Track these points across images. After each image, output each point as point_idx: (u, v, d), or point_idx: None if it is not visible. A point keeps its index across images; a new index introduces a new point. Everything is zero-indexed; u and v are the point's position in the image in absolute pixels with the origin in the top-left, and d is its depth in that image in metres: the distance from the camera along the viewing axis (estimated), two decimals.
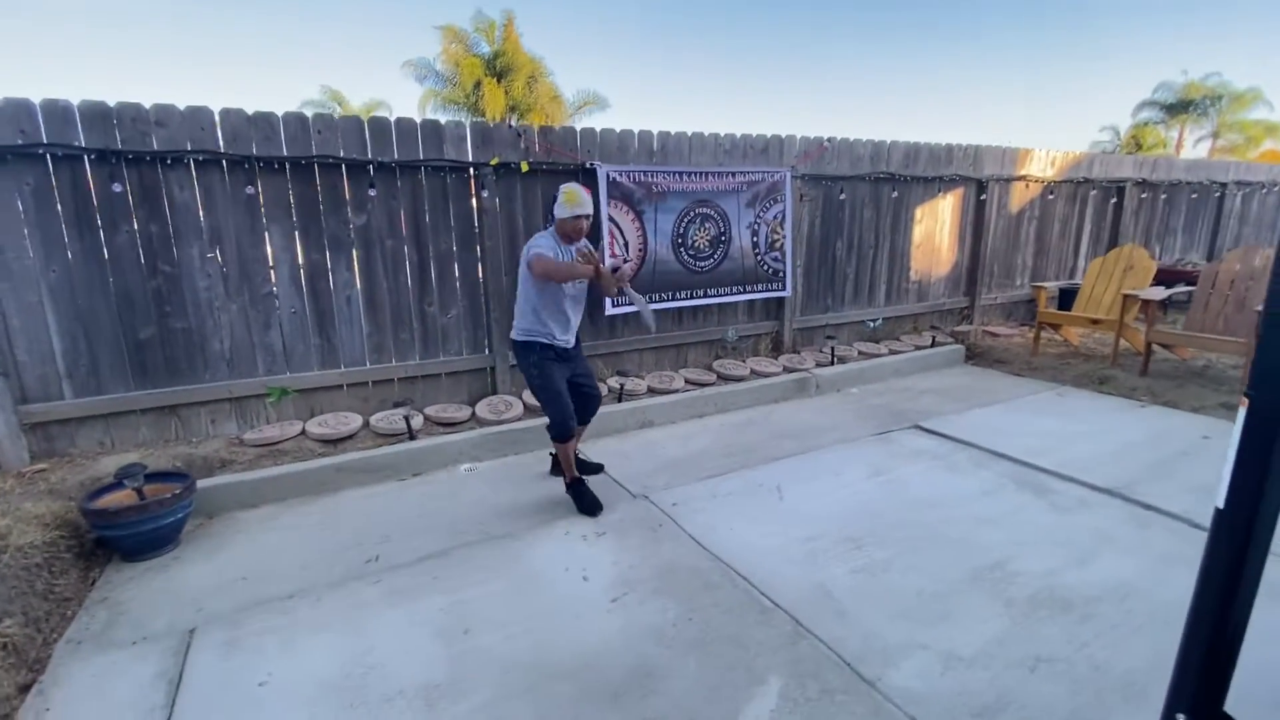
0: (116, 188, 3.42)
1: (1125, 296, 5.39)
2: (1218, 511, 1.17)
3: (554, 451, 3.57)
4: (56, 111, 3.26)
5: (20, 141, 3.20)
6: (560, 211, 3.09)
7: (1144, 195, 8.05)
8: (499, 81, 22.78)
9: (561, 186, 3.11)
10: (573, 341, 3.31)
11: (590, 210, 3.13)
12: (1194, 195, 8.58)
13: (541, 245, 3.10)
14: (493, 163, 4.23)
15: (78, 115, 3.30)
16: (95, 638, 2.40)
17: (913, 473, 3.68)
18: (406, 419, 3.92)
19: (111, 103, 3.37)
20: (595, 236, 4.66)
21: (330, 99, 23.81)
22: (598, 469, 3.66)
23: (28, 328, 3.39)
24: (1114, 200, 7.81)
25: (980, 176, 6.53)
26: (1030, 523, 3.10)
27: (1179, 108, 28.08)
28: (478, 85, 22.32)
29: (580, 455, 3.58)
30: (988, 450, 3.96)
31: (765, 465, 3.83)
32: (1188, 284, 6.17)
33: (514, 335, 3.27)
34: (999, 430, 4.28)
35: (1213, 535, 1.18)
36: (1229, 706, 1.22)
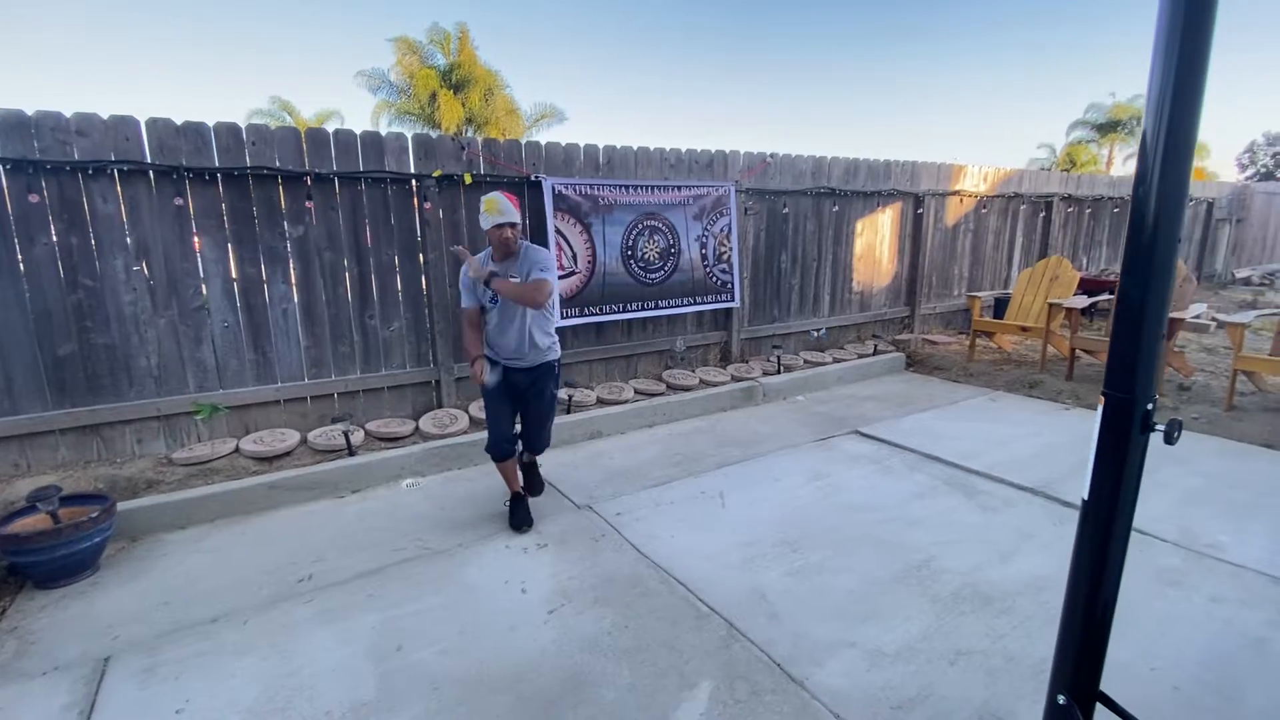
0: (33, 199, 3.28)
1: (1051, 305, 5.68)
2: (1083, 503, 1.26)
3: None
4: None
5: None
6: (483, 223, 2.97)
7: (1070, 209, 8.51)
8: (455, 94, 22.65)
9: (482, 198, 3.00)
10: (524, 365, 3.17)
11: (514, 219, 2.94)
12: (1116, 210, 9.11)
13: (462, 284, 3.16)
14: (435, 175, 4.21)
15: None
16: (2, 669, 2.27)
17: (850, 477, 3.79)
18: (346, 434, 3.85)
19: (30, 111, 3.24)
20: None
21: (280, 109, 23.23)
22: (537, 488, 3.50)
23: None
24: (1043, 214, 8.24)
25: (917, 191, 6.81)
26: (958, 523, 3.23)
27: (1108, 127, 29.78)
28: (433, 97, 22.13)
29: (537, 467, 3.55)
30: (922, 454, 4.11)
31: (710, 473, 3.89)
32: (1110, 293, 6.55)
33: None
34: (934, 434, 4.45)
35: (1080, 526, 1.27)
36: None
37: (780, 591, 2.64)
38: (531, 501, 3.44)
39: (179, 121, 3.57)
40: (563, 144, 4.76)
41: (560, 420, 4.44)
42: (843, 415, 4.97)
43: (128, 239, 3.55)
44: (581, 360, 5.09)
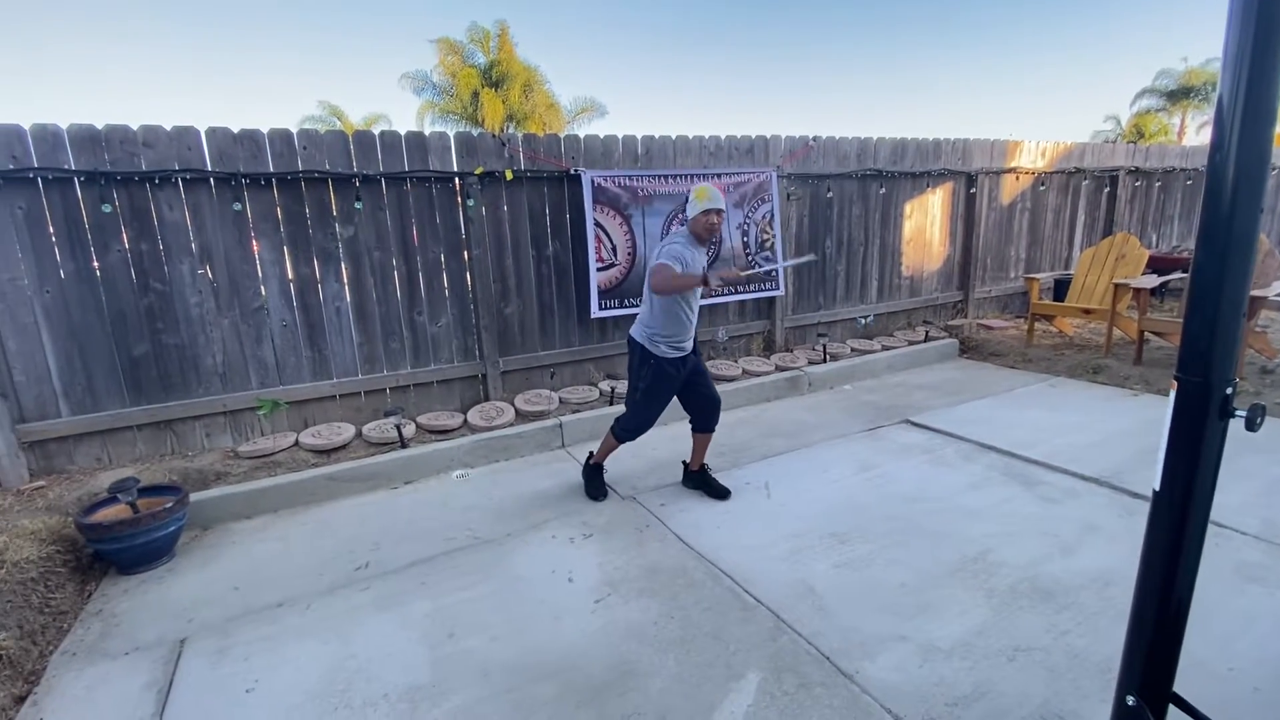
0: (106, 209, 3.49)
1: (1117, 285, 5.38)
2: (1155, 495, 1.19)
3: (685, 461, 3.54)
4: (46, 136, 3.33)
5: (11, 166, 3.27)
6: (690, 210, 3.05)
7: (1138, 183, 8.02)
8: (496, 91, 22.92)
9: (692, 186, 3.19)
10: (690, 346, 3.24)
11: (721, 205, 3.02)
12: (1189, 182, 8.53)
13: (667, 252, 2.98)
14: (477, 172, 4.28)
15: (67, 139, 3.37)
16: (89, 649, 2.45)
17: (901, 467, 3.69)
18: (398, 428, 3.97)
19: (100, 125, 3.44)
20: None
21: (330, 114, 24.02)
22: (724, 496, 3.39)
23: (24, 349, 3.46)
24: (1107, 189, 7.79)
25: (970, 170, 6.53)
26: (1016, 513, 3.10)
27: (1180, 94, 27.91)
28: (475, 95, 22.48)
29: (711, 472, 3.48)
30: (977, 443, 3.96)
31: (754, 464, 3.85)
32: (1183, 271, 6.15)
33: (633, 332, 3.23)
34: (990, 423, 4.28)
35: (1152, 517, 1.20)
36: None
37: (829, 584, 2.60)
38: (573, 495, 3.50)
39: (235, 130, 3.72)
40: (601, 136, 4.76)
41: (604, 411, 4.47)
42: (892, 404, 4.84)
43: (192, 244, 3.74)
44: (623, 352, 5.08)
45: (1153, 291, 5.48)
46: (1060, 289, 6.81)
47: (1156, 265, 6.32)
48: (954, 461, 3.74)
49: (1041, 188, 7.17)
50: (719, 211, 3.06)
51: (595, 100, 24.12)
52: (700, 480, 3.49)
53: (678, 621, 2.41)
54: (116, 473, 3.62)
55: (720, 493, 3.40)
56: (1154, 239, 8.43)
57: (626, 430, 3.33)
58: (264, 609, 2.65)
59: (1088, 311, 5.63)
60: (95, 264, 3.55)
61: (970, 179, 6.58)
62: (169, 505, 3.03)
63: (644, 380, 3.20)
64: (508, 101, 22.47)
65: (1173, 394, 1.14)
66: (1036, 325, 6.10)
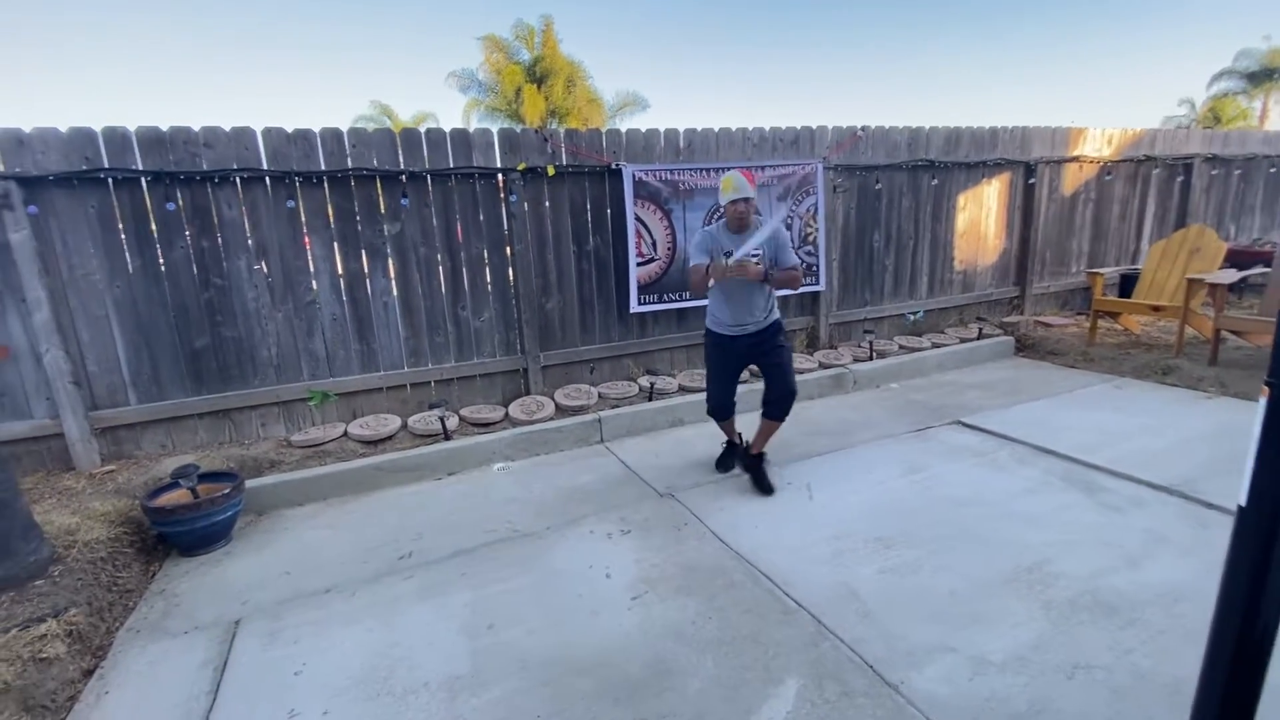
0: (170, 207, 3.65)
1: (1190, 281, 5.05)
2: (1240, 510, 1.09)
3: (747, 440, 3.69)
4: (116, 138, 3.51)
5: (84, 167, 3.45)
6: (721, 199, 3.26)
7: (1215, 172, 7.51)
8: (539, 87, 23.09)
9: (721, 176, 3.30)
10: (749, 329, 3.34)
11: (748, 194, 3.17)
12: (1274, 170, 7.95)
13: (692, 244, 3.33)
14: (520, 168, 4.30)
15: (135, 140, 3.54)
16: (152, 627, 2.57)
17: (951, 470, 3.55)
18: (442, 420, 4.04)
19: (165, 128, 3.60)
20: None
21: (380, 113, 24.68)
22: (769, 491, 3.39)
23: (96, 340, 3.65)
24: (1180, 179, 7.32)
25: (1028, 159, 6.23)
26: (1076, 522, 2.95)
27: (1262, 75, 26.08)
28: (518, 92, 22.71)
29: (766, 464, 3.52)
30: (1034, 446, 3.78)
31: (796, 463, 3.77)
32: (1265, 265, 5.73)
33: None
34: (1048, 425, 4.08)
35: (1236, 535, 1.10)
36: None
37: (873, 589, 2.51)
38: (611, 490, 3.50)
39: (289, 130, 3.84)
40: (643, 130, 4.73)
41: (643, 407, 4.45)
42: (942, 404, 4.67)
43: (249, 241, 3.88)
44: (663, 348, 5.07)
45: (1230, 288, 5.12)
46: (1126, 285, 6.43)
47: (1235, 259, 5.90)
48: (1009, 465, 3.58)
49: (1107, 177, 6.79)
50: (746, 200, 3.19)
51: (637, 94, 24.08)
52: (751, 465, 3.52)
53: (715, 622, 2.37)
54: (179, 459, 3.79)
55: (765, 488, 3.39)
56: (1232, 231, 7.89)
57: (709, 409, 3.61)
58: (313, 594, 2.73)
59: (1157, 308, 5.30)
60: (161, 260, 3.72)
61: (1029, 168, 6.27)
62: (226, 491, 3.16)
63: (706, 359, 3.59)
64: (550, 97, 22.63)
65: (1263, 400, 1.04)
66: (1100, 323, 5.79)
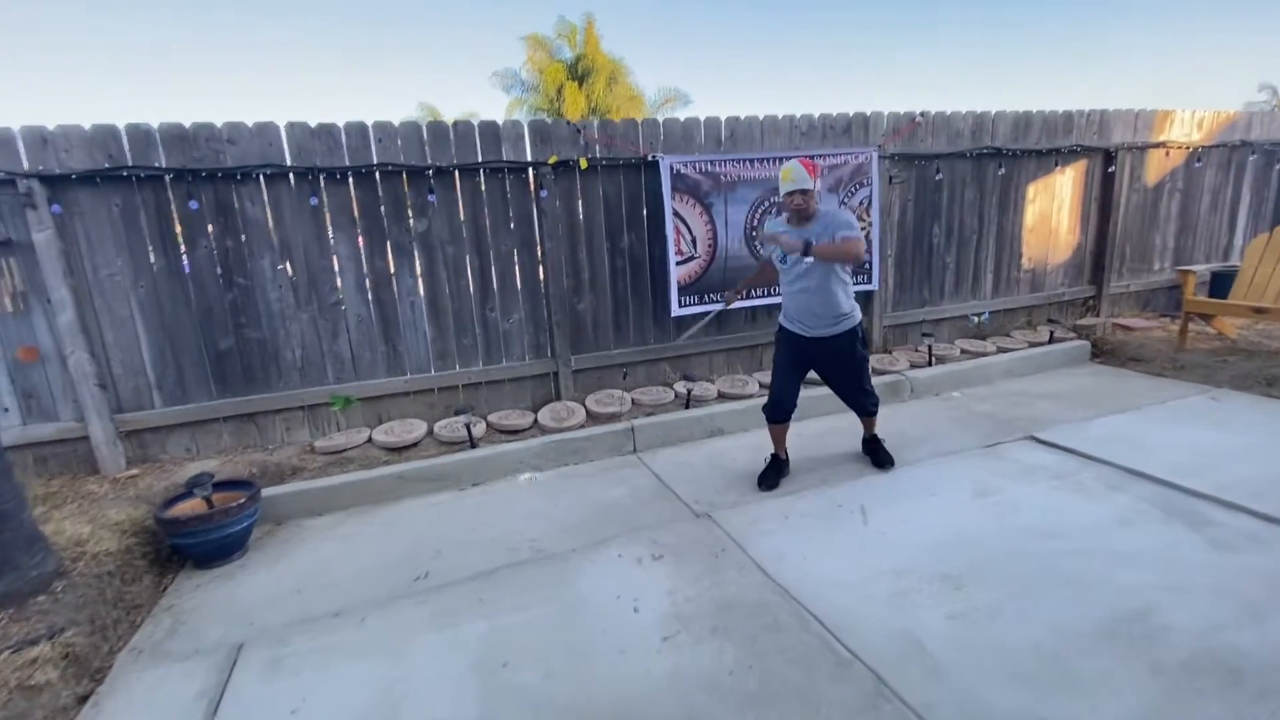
0: (194, 205, 3.56)
1: None
2: None
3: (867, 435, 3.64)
4: (139, 135, 3.42)
5: (107, 165, 3.37)
6: (781, 190, 3.12)
7: None
8: (580, 85, 23.05)
9: (782, 165, 3.15)
10: (824, 333, 3.23)
11: (806, 185, 3.02)
12: None
13: (763, 232, 3.42)
14: (550, 161, 4.07)
15: (158, 137, 3.45)
16: (155, 648, 2.43)
17: (1027, 494, 3.15)
18: (467, 427, 3.85)
19: (187, 124, 3.50)
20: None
21: (427, 114, 25.00)
22: (885, 465, 3.53)
23: (121, 341, 3.59)
24: (1278, 167, 6.59)
25: (1108, 146, 5.67)
26: (1182, 561, 2.52)
27: None
28: (560, 90, 22.68)
29: (881, 441, 3.60)
30: (1122, 468, 3.34)
31: (848, 483, 3.42)
32: None
33: None
34: (1136, 443, 3.62)
35: None
36: None
37: (941, 639, 2.17)
38: (643, 507, 3.25)
39: (313, 124, 3.70)
40: (681, 120, 4.43)
41: (679, 416, 4.17)
42: (1011, 416, 4.23)
43: (273, 239, 3.76)
44: (701, 352, 4.77)
45: None
46: (1218, 283, 5.80)
47: None
48: (1094, 490, 3.15)
49: (1197, 165, 6.14)
50: (802, 193, 3.06)
51: (679, 90, 23.72)
52: (869, 448, 3.62)
53: (757, 673, 2.07)
54: (203, 463, 3.71)
55: (886, 461, 3.52)
56: None
57: (766, 406, 3.42)
58: (322, 617, 2.55)
59: (1260, 310, 4.71)
60: (184, 260, 3.63)
61: (1108, 156, 5.71)
62: (241, 501, 3.03)
63: (775, 346, 3.43)
64: (591, 95, 22.51)
65: None
66: (1190, 326, 5.21)
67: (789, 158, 4.53)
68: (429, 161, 3.90)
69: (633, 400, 4.40)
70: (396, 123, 3.86)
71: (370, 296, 4.00)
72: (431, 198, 3.93)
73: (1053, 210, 5.71)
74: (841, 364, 3.34)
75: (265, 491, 3.39)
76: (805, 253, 2.97)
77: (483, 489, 3.66)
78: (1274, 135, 6.43)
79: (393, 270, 4.00)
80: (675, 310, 4.47)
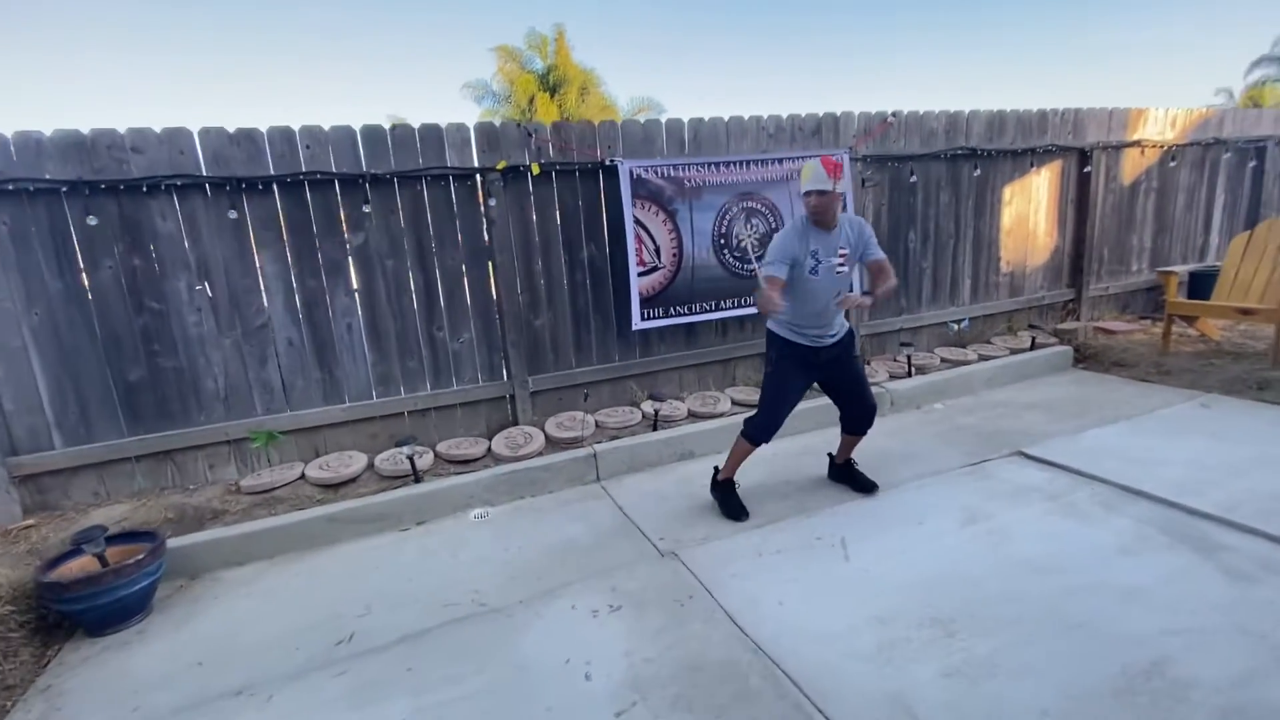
0: (92, 221, 3.17)
1: None
2: None
3: (831, 453, 3.41)
4: (28, 144, 3.05)
5: None
6: (802, 189, 2.83)
7: None
8: (552, 96, 22.87)
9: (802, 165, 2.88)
10: (832, 339, 2.99)
11: (826, 186, 2.73)
12: None
13: (772, 249, 2.84)
14: (499, 167, 3.76)
15: (50, 146, 3.07)
16: None
17: (1019, 519, 2.89)
18: (410, 459, 3.49)
19: (85, 130, 3.13)
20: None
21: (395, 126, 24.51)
22: (870, 489, 3.26)
23: (13, 375, 3.19)
24: (1252, 164, 6.52)
25: (1083, 145, 5.52)
26: (1195, 597, 2.27)
27: None
28: (532, 101, 22.45)
29: (856, 466, 3.34)
30: (1118, 486, 3.10)
31: (827, 510, 3.13)
32: None
33: (768, 321, 3.06)
34: (1130, 457, 3.39)
35: None
36: None
37: (936, 704, 1.88)
38: (603, 547, 2.93)
39: (232, 129, 3.35)
40: (641, 121, 4.16)
41: (645, 439, 3.86)
42: (996, 429, 3.99)
43: (189, 258, 3.39)
44: (670, 368, 4.47)
45: None
46: (1197, 284, 5.68)
47: None
48: (1091, 512, 2.90)
49: (1171, 163, 6.03)
50: (819, 193, 2.76)
51: (652, 99, 23.61)
52: (845, 474, 3.35)
53: None
54: (112, 509, 3.31)
55: (869, 486, 3.25)
56: None
57: (757, 428, 3.05)
58: (220, 697, 2.18)
59: (1247, 312, 4.55)
60: (85, 282, 3.25)
61: (1083, 155, 5.56)
62: (140, 558, 2.64)
63: (771, 364, 3.04)
64: (564, 106, 22.31)
65: None
66: (1172, 328, 5.04)
67: (760, 160, 4.29)
68: (364, 169, 3.57)
69: (596, 423, 4.08)
70: (327, 127, 3.52)
71: (302, 318, 3.64)
72: (367, 209, 3.60)
73: (1030, 212, 5.54)
74: (850, 367, 3.11)
75: (177, 541, 3.01)
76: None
77: (427, 529, 3.31)
78: (1247, 132, 6.35)
79: (327, 289, 3.65)
80: (637, 324, 4.17)
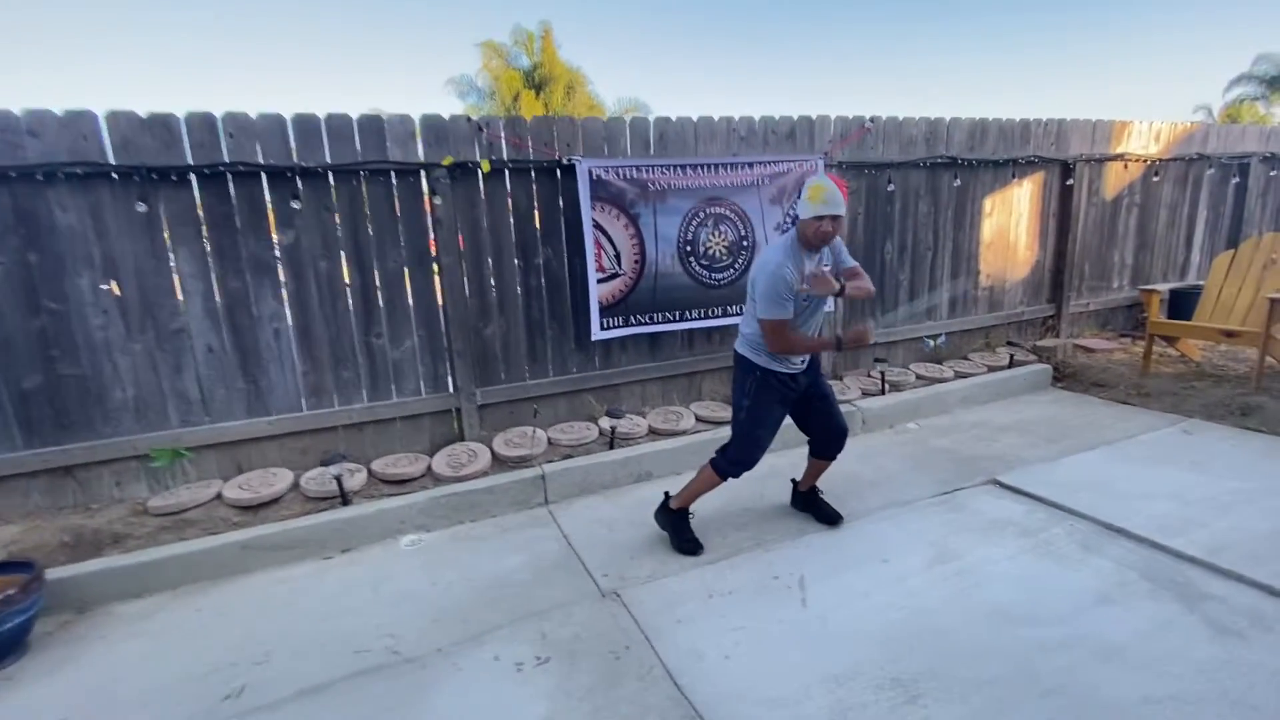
0: None
1: (1273, 301, 4.14)
2: None
3: (795, 478, 3.17)
4: None
5: None
6: (801, 210, 2.55)
7: (1273, 173, 6.59)
8: (538, 94, 22.62)
9: (807, 184, 2.55)
10: (804, 364, 2.78)
11: (840, 210, 2.48)
12: None
13: (769, 285, 2.49)
14: (445, 163, 3.48)
15: None
16: None
17: (992, 559, 2.67)
18: (338, 480, 3.20)
19: None
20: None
21: None
22: (834, 520, 3.01)
23: None
24: (1235, 180, 6.42)
25: (1065, 157, 5.36)
26: (1181, 657, 2.05)
27: None
28: (516, 98, 22.15)
29: (821, 494, 3.11)
30: (1098, 522, 2.89)
31: (788, 543, 2.90)
32: None
33: (737, 344, 2.81)
34: (1109, 488, 3.19)
35: None
36: None
37: None
38: (540, 583, 2.67)
39: (144, 114, 3.03)
40: (604, 119, 3.90)
41: (600, 459, 3.60)
42: (972, 454, 3.78)
43: (93, 254, 3.07)
44: (631, 380, 4.21)
45: None
46: (1178, 303, 5.54)
47: None
48: (1069, 552, 2.69)
49: (1155, 178, 5.89)
50: (834, 219, 2.51)
51: (639, 101, 23.36)
52: (808, 502, 3.11)
53: None
54: (2, 530, 2.97)
55: (833, 517, 3.01)
56: None
57: (732, 463, 2.78)
58: None
59: (1231, 334, 4.39)
60: None
61: (1066, 167, 5.40)
62: (11, 594, 2.33)
63: (748, 396, 2.73)
64: (549, 104, 22.02)
65: None
66: (1154, 348, 4.88)
67: (730, 164, 4.05)
68: (295, 161, 3.27)
69: (549, 439, 3.81)
70: (254, 114, 3.21)
71: (224, 323, 3.33)
72: (296, 204, 3.29)
73: (1010, 225, 5.36)
74: (820, 387, 2.88)
75: (66, 571, 2.70)
76: (841, 293, 2.58)
77: (352, 558, 3.02)
78: (1231, 148, 6.25)
79: (252, 292, 3.34)
80: (596, 333, 3.91)
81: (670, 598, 2.52)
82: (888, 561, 2.69)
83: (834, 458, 2.97)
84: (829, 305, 2.74)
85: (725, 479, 2.82)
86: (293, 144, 3.27)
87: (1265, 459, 3.46)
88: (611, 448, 3.74)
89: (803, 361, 2.75)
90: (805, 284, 2.52)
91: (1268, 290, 4.42)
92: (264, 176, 3.26)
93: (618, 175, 3.79)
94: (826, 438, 2.93)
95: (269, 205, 3.31)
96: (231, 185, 3.22)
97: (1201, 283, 5.25)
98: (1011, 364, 5.03)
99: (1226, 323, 4.59)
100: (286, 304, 3.42)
